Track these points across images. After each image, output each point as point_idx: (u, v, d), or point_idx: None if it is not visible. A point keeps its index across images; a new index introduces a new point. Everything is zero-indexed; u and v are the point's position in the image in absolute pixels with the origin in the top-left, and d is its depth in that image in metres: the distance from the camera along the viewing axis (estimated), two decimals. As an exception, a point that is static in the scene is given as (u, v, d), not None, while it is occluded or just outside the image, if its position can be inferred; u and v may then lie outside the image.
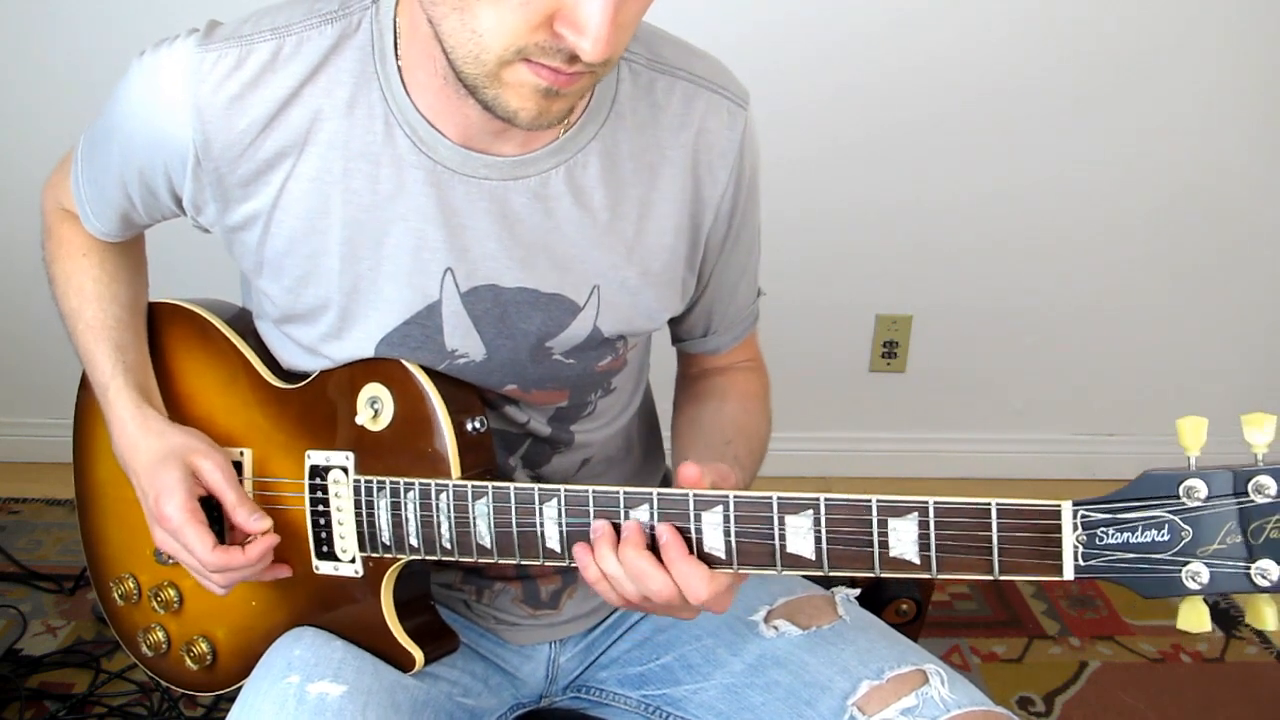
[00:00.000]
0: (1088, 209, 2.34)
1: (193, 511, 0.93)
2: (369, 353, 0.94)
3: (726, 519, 0.80)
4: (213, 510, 0.96)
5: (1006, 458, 2.54)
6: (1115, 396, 2.53)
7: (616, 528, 0.84)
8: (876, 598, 1.74)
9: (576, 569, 0.86)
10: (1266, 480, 0.66)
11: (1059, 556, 0.71)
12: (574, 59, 0.74)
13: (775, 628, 1.01)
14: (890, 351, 2.45)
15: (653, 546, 0.82)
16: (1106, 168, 2.31)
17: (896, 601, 1.76)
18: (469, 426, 0.92)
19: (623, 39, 0.76)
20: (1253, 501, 0.66)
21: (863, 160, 2.28)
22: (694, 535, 0.81)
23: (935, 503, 0.74)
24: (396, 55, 0.88)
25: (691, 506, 0.81)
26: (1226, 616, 2.08)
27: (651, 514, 0.82)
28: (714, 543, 0.81)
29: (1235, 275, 2.43)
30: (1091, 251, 2.38)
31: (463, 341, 0.94)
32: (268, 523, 0.95)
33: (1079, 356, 2.49)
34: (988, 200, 2.33)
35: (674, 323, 1.10)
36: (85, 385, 1.14)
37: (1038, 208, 2.34)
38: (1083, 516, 0.70)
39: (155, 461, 0.96)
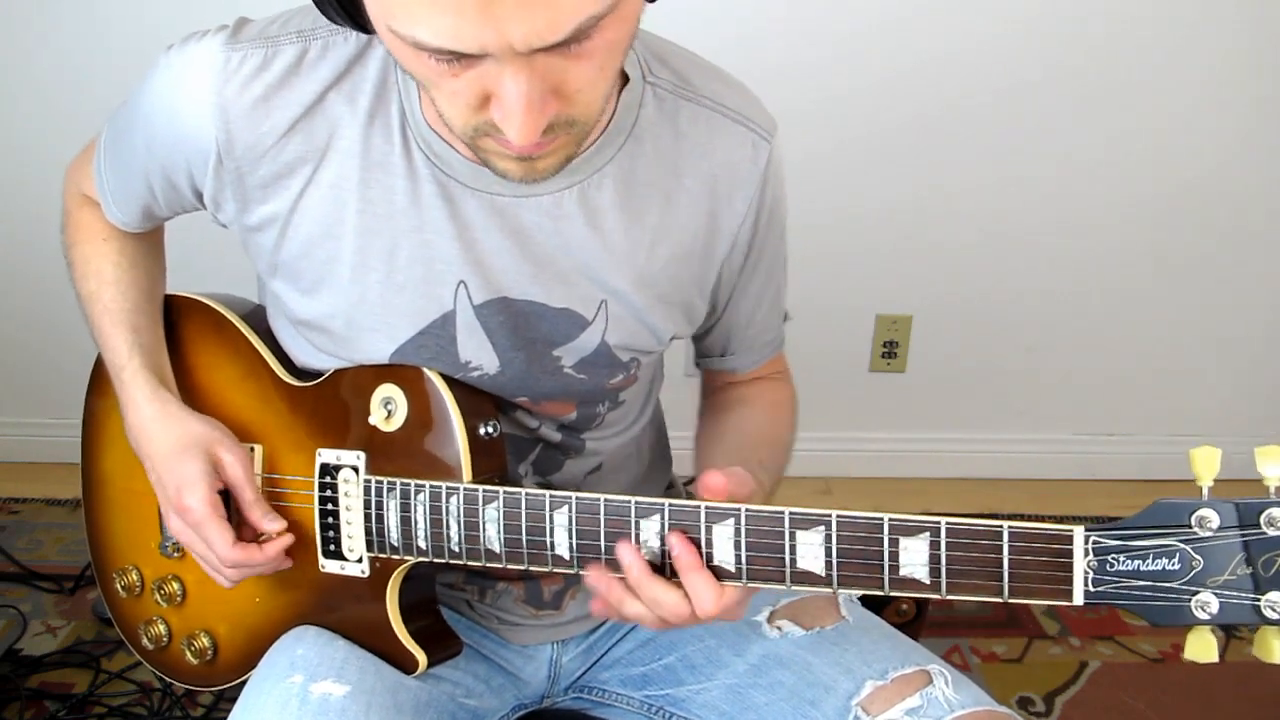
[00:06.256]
0: (1088, 209, 2.34)
1: (215, 506, 0.93)
2: (383, 362, 0.94)
3: (738, 532, 0.80)
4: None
5: (1006, 458, 2.55)
6: (1115, 396, 2.54)
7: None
8: (877, 597, 1.74)
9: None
10: (1278, 513, 0.66)
11: (1069, 581, 0.71)
12: None
13: (778, 628, 1.01)
14: (890, 351, 2.45)
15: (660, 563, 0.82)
16: (1106, 167, 2.31)
17: (896, 601, 1.76)
18: (481, 430, 0.92)
19: (582, 106, 0.74)
20: (1264, 534, 0.67)
21: (863, 160, 2.28)
22: (704, 548, 0.81)
23: (947, 523, 0.74)
24: None
25: (703, 518, 0.81)
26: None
27: (663, 524, 0.82)
28: (724, 556, 0.81)
29: (1236, 275, 2.43)
30: (1092, 251, 2.38)
31: (476, 354, 0.94)
32: (282, 523, 0.96)
33: (1079, 356, 2.49)
34: (988, 200, 2.32)
35: (694, 343, 1.10)
36: (96, 375, 1.14)
37: (1038, 207, 2.34)
38: (1094, 542, 0.70)
39: (177, 450, 0.96)
